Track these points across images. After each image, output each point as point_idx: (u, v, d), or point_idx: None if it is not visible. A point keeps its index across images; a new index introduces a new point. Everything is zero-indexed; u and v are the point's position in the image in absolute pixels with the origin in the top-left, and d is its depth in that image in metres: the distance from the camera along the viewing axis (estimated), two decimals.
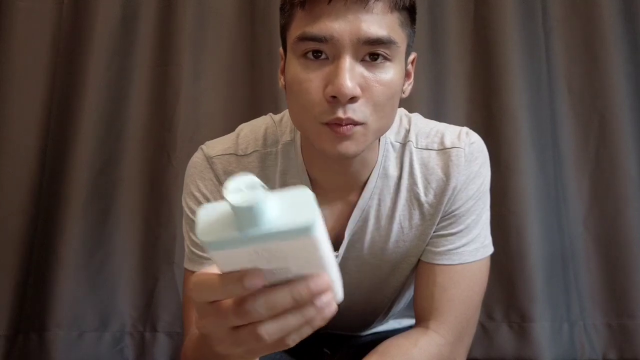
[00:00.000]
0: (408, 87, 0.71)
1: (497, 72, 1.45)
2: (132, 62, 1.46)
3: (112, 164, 1.43)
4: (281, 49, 0.70)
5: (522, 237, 1.39)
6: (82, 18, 1.45)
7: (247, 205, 0.32)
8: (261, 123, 0.80)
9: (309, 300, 0.36)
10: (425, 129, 0.76)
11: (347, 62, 0.60)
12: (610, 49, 1.45)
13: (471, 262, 0.75)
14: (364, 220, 0.76)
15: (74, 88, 1.44)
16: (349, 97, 0.59)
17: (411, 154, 0.75)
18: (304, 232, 0.33)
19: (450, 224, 0.75)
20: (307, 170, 0.74)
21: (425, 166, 0.74)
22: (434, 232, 0.76)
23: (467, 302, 0.75)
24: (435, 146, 0.74)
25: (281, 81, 0.70)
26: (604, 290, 1.43)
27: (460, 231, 0.75)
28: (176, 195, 1.41)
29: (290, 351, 0.88)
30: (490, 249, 0.78)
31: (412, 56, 0.70)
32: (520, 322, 1.40)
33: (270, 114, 0.83)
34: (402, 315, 0.98)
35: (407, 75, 0.69)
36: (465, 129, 0.77)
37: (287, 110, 0.78)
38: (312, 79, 0.61)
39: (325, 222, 0.75)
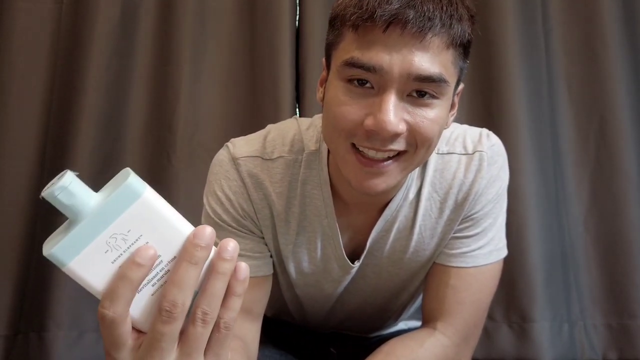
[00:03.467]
0: (451, 118, 0.68)
1: (497, 73, 1.45)
2: (132, 62, 1.46)
3: (112, 164, 1.43)
4: (324, 60, 0.66)
5: (522, 237, 1.39)
6: (81, 18, 1.45)
7: (58, 186, 0.31)
8: (289, 128, 0.77)
9: (207, 255, 0.35)
10: (446, 134, 0.74)
11: (393, 96, 0.57)
12: (609, 50, 1.45)
13: (484, 265, 0.74)
14: (387, 231, 0.75)
15: (74, 88, 1.44)
16: (391, 134, 0.57)
17: (432, 161, 0.73)
18: (130, 194, 0.32)
19: (468, 227, 0.74)
20: (331, 183, 0.72)
21: (446, 171, 0.72)
22: (453, 234, 0.74)
23: (476, 304, 0.74)
24: (458, 150, 0.73)
25: (319, 93, 0.68)
26: (604, 291, 1.43)
27: (477, 234, 0.73)
28: (176, 195, 1.41)
29: (297, 351, 0.88)
30: (504, 252, 0.77)
31: (460, 87, 0.68)
32: (520, 322, 1.40)
33: (297, 117, 0.80)
34: (410, 317, 0.98)
35: (452, 106, 0.66)
36: (485, 131, 0.76)
37: (315, 117, 0.77)
38: (353, 104, 0.59)
39: (345, 233, 0.75)
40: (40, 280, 1.39)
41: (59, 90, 1.44)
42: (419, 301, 0.92)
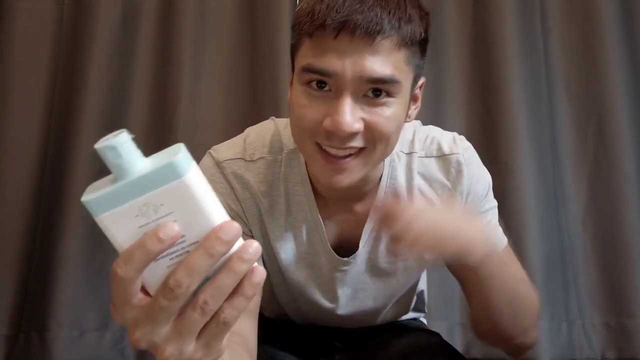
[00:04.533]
0: (414, 111, 0.71)
1: (496, 73, 1.46)
2: (133, 63, 1.46)
3: None
4: (291, 64, 0.70)
5: (521, 237, 1.40)
6: (82, 19, 1.45)
7: (109, 144, 0.33)
8: (267, 129, 0.80)
9: (226, 250, 0.35)
10: (422, 137, 0.77)
11: (348, 99, 0.60)
12: (608, 50, 1.46)
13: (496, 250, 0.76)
14: (378, 231, 0.77)
15: (75, 88, 1.44)
16: (348, 133, 0.60)
17: (417, 162, 0.76)
18: (173, 171, 0.33)
19: None
20: (310, 180, 0.75)
21: (428, 173, 0.76)
22: None
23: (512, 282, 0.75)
24: (435, 153, 0.76)
25: (289, 95, 0.71)
26: (602, 290, 1.44)
27: None
28: None
29: (300, 346, 0.89)
30: (504, 240, 0.79)
31: (421, 81, 0.70)
32: None
33: (274, 118, 0.83)
34: (414, 309, 0.99)
35: (414, 99, 0.70)
36: (456, 135, 0.79)
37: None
38: (313, 108, 0.62)
39: (327, 228, 0.77)
40: (41, 280, 1.40)
41: (60, 90, 1.45)
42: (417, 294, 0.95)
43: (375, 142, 0.63)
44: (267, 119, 0.84)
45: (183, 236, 0.35)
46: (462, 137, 0.79)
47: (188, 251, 0.36)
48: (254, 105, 1.46)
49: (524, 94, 1.46)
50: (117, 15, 1.45)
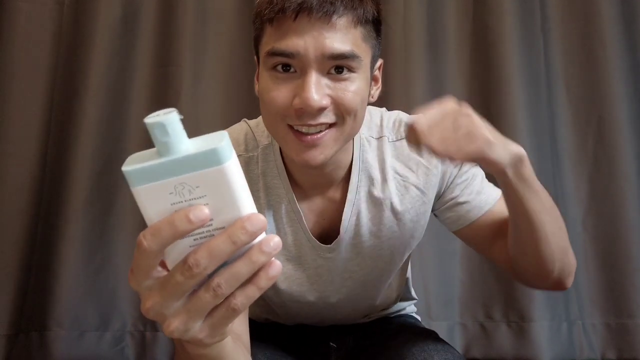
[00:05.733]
0: (376, 91, 0.75)
1: (496, 73, 1.46)
2: (133, 63, 1.46)
3: (112, 165, 1.44)
4: (255, 58, 0.73)
5: None
6: (82, 19, 1.46)
7: (159, 121, 0.34)
8: (239, 129, 0.83)
9: (248, 241, 0.36)
10: (390, 121, 0.81)
11: (313, 76, 0.64)
12: (608, 50, 1.46)
13: (496, 200, 0.80)
14: (357, 214, 0.79)
15: (75, 88, 1.44)
16: (316, 109, 0.64)
17: (388, 146, 0.79)
18: (215, 157, 0.35)
19: (451, 192, 0.80)
20: (286, 171, 0.78)
21: (402, 155, 0.79)
22: (444, 207, 0.81)
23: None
24: (404, 135, 0.79)
25: (257, 87, 0.74)
26: (602, 290, 1.44)
27: (463, 190, 0.80)
28: None
29: (296, 349, 0.89)
30: (498, 191, 0.81)
31: (379, 63, 0.74)
32: (519, 321, 1.41)
33: (245, 119, 0.86)
34: (403, 298, 1.00)
35: (374, 80, 0.74)
36: (407, 114, 0.82)
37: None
38: (281, 90, 0.65)
39: (307, 217, 0.79)
40: (41, 280, 1.40)
41: (60, 91, 1.45)
42: (404, 279, 0.97)
43: (344, 116, 0.66)
44: None
45: (211, 220, 0.36)
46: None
47: (213, 235, 0.37)
48: (254, 105, 1.45)
49: (524, 94, 1.46)
50: (117, 15, 1.45)
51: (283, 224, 0.79)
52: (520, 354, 1.39)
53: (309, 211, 0.80)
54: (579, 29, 1.49)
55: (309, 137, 0.66)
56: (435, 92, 1.46)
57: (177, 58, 1.47)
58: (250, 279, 0.38)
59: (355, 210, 0.79)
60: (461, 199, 0.80)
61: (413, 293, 1.04)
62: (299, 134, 0.66)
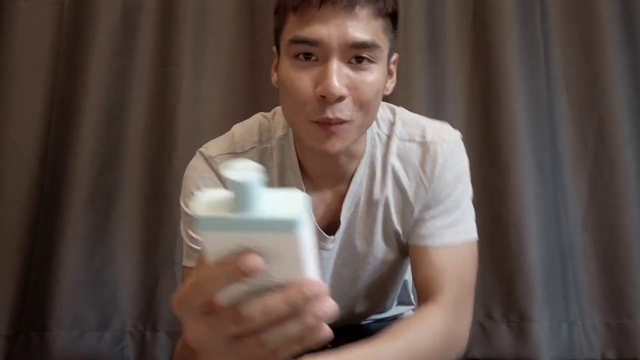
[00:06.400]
0: (391, 85, 0.77)
1: (496, 73, 1.46)
2: (133, 63, 1.46)
3: (112, 164, 1.44)
4: (274, 48, 0.75)
5: (521, 237, 1.40)
6: (82, 19, 1.46)
7: (242, 181, 0.33)
8: (254, 121, 0.85)
9: (304, 305, 0.36)
10: (407, 121, 0.82)
11: (335, 64, 0.65)
12: (608, 50, 1.46)
13: (454, 244, 0.78)
14: (355, 206, 0.81)
15: (75, 88, 1.44)
16: (337, 97, 0.65)
17: (395, 145, 0.80)
18: (288, 226, 0.34)
19: (431, 208, 0.79)
20: (299, 162, 0.79)
21: (405, 156, 0.79)
22: (419, 216, 0.80)
23: (460, 280, 0.77)
24: (417, 138, 0.79)
25: (274, 77, 0.76)
26: (602, 290, 1.43)
27: (440, 214, 0.79)
28: (177, 195, 1.41)
29: None
30: (473, 234, 0.80)
31: (394, 57, 0.76)
32: (519, 321, 1.41)
33: (261, 112, 0.87)
34: (399, 302, 1.01)
35: (389, 74, 0.75)
36: (446, 125, 0.82)
37: (278, 107, 0.84)
38: (303, 79, 0.66)
39: (316, 210, 0.80)
40: (41, 279, 1.40)
41: (60, 91, 1.45)
42: (400, 284, 0.96)
43: (359, 110, 0.68)
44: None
45: (270, 274, 0.36)
46: (452, 129, 0.82)
47: (269, 287, 0.37)
48: (254, 105, 1.46)
49: (524, 93, 1.46)
50: (117, 15, 1.45)
51: None
52: (520, 354, 1.39)
53: (318, 203, 0.81)
54: (579, 29, 1.49)
55: (329, 125, 0.67)
56: (435, 92, 1.47)
57: (177, 58, 1.47)
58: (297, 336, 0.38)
59: (355, 201, 0.80)
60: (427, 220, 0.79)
61: (412, 298, 1.03)
62: (323, 123, 0.67)
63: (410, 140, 0.80)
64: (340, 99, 0.65)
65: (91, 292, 1.40)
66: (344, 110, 0.66)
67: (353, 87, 0.66)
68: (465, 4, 1.50)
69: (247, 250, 0.36)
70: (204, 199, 0.36)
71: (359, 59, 0.66)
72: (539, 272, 1.40)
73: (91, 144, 1.42)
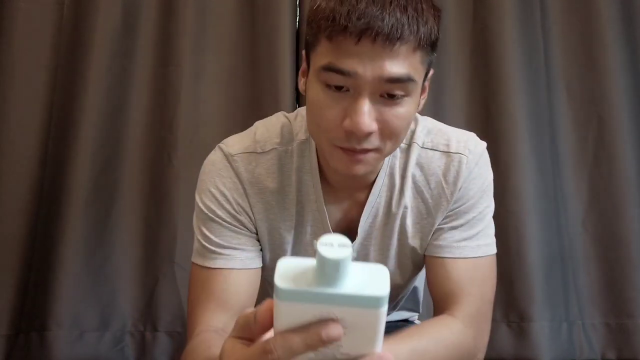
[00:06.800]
0: (422, 101, 0.73)
1: (496, 73, 1.46)
2: (133, 63, 1.46)
3: (112, 164, 1.44)
4: (304, 53, 0.71)
5: (521, 237, 1.40)
6: (83, 19, 1.45)
7: (335, 258, 0.33)
8: (276, 121, 0.82)
9: None
10: (432, 130, 0.79)
11: (367, 100, 0.62)
12: (608, 51, 1.46)
13: (474, 257, 0.77)
14: (374, 217, 0.79)
15: (75, 89, 1.44)
16: (366, 133, 0.62)
17: (415, 153, 0.77)
18: (375, 302, 0.35)
19: (453, 219, 0.77)
20: (319, 170, 0.77)
21: (427, 165, 0.77)
22: (438, 226, 0.78)
23: (480, 296, 0.77)
24: (441, 147, 0.77)
25: (301, 84, 0.72)
26: (602, 290, 1.44)
27: (462, 225, 0.77)
28: (177, 195, 1.42)
29: None
30: (493, 249, 0.80)
31: (430, 73, 0.72)
32: (519, 321, 1.41)
33: (283, 112, 0.84)
34: (402, 308, 1.00)
35: (422, 90, 0.72)
36: (473, 136, 0.80)
37: (300, 108, 0.82)
38: (332, 107, 0.64)
39: (332, 218, 0.79)
40: (41, 279, 1.40)
41: (60, 91, 1.45)
42: (407, 293, 0.95)
43: (387, 141, 0.66)
44: None
45: (341, 343, 0.36)
46: (479, 140, 0.80)
47: (335, 358, 0.37)
48: (254, 105, 1.46)
49: (524, 93, 1.46)
50: (117, 15, 1.45)
51: (308, 222, 0.79)
52: (520, 354, 1.39)
53: (333, 209, 0.79)
54: (579, 29, 1.49)
55: (355, 153, 0.65)
56: (436, 92, 1.46)
57: (177, 58, 1.46)
58: None
59: (374, 212, 0.79)
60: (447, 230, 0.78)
61: (420, 306, 1.03)
62: (344, 149, 0.66)
63: (434, 149, 0.77)
64: (368, 134, 0.63)
65: (91, 292, 1.40)
66: (372, 141, 0.65)
67: (383, 120, 0.64)
68: (465, 4, 1.51)
69: (328, 319, 0.35)
70: (286, 269, 0.35)
71: (391, 95, 0.63)
72: (539, 272, 1.40)
73: (91, 144, 1.42)
